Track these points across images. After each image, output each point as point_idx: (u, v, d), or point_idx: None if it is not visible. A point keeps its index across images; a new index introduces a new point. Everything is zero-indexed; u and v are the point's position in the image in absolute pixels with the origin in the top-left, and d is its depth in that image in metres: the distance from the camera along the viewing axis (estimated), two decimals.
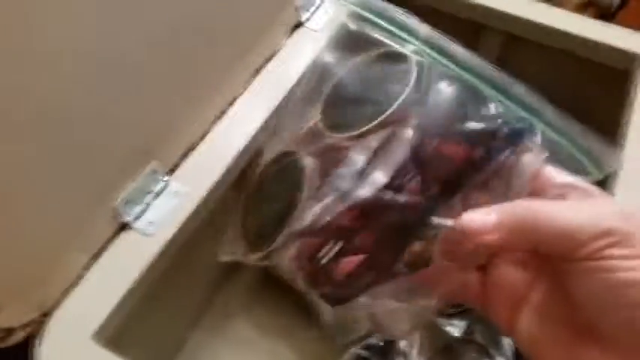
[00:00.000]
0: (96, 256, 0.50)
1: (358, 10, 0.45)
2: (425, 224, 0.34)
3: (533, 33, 0.72)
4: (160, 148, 0.53)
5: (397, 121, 0.41)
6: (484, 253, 0.32)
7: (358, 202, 0.36)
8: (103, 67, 0.44)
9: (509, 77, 0.41)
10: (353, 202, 0.36)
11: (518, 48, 0.77)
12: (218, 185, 0.55)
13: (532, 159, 0.34)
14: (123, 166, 0.50)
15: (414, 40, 0.44)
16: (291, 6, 0.67)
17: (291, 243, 0.42)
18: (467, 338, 0.64)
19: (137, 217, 0.52)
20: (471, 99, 0.40)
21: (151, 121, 0.51)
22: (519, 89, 0.41)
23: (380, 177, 0.36)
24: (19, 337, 0.45)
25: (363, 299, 0.36)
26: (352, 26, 0.46)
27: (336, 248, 0.35)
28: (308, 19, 0.70)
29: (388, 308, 0.36)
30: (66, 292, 0.48)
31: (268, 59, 0.65)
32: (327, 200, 0.39)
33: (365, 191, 0.36)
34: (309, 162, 0.44)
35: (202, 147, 0.57)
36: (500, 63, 0.79)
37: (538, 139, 0.36)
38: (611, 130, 0.65)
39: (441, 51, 0.44)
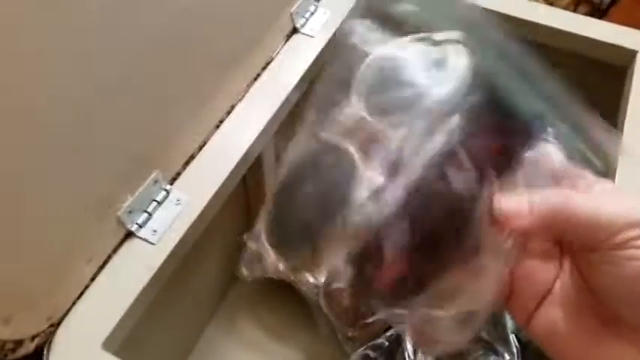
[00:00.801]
0: (102, 265, 0.50)
1: None
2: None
3: (527, 32, 0.72)
4: (161, 157, 0.54)
5: (442, 112, 0.38)
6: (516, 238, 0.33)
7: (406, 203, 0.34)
8: (103, 78, 0.45)
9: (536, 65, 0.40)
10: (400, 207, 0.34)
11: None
12: (219, 193, 0.56)
13: (551, 156, 0.34)
14: (125, 176, 0.50)
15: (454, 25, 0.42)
16: (287, 12, 0.68)
17: (344, 238, 0.38)
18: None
19: (141, 226, 0.52)
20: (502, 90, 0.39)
21: (152, 131, 0.52)
22: (541, 76, 0.40)
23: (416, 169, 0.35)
24: (28, 348, 0.45)
25: (398, 311, 0.35)
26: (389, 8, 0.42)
27: (400, 237, 0.33)
28: (303, 25, 0.71)
29: (429, 317, 0.35)
30: (74, 303, 0.48)
31: (265, 66, 0.66)
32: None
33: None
34: (356, 152, 0.40)
35: (203, 155, 0.58)
36: None
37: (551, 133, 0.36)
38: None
39: (482, 39, 0.42)
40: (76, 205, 0.46)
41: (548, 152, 0.35)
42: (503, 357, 0.64)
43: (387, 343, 0.61)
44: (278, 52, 0.68)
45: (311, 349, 0.69)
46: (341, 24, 0.44)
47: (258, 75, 0.65)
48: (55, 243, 0.46)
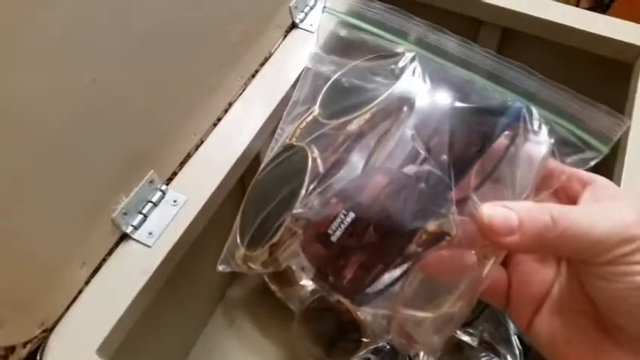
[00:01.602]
0: (96, 269, 0.49)
1: (348, 18, 0.44)
2: (439, 203, 0.32)
3: (531, 27, 0.71)
4: (156, 156, 0.53)
5: (392, 112, 0.40)
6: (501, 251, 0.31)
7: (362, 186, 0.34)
8: (96, 77, 0.43)
9: (504, 62, 0.40)
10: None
11: (516, 43, 0.76)
12: (216, 192, 0.54)
13: (538, 146, 0.33)
14: (120, 177, 0.49)
15: (405, 41, 0.44)
16: (285, 7, 0.67)
17: (296, 228, 0.39)
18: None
19: (136, 228, 0.51)
20: (464, 90, 0.39)
21: (147, 131, 0.51)
22: (513, 73, 0.40)
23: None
24: (20, 355, 0.44)
25: (384, 307, 0.34)
26: (343, 33, 0.46)
27: (348, 220, 0.32)
28: (302, 20, 0.69)
29: (415, 318, 0.35)
30: (68, 307, 0.47)
31: (263, 63, 0.65)
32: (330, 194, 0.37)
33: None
34: (309, 150, 0.43)
35: (199, 155, 0.57)
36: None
37: (536, 121, 0.35)
38: None
39: (433, 48, 0.43)
40: (68, 207, 0.45)
41: (537, 143, 0.34)
42: (505, 359, 0.63)
43: (388, 347, 0.60)
44: (276, 47, 0.66)
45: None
46: (310, 56, 0.47)
47: (257, 71, 0.64)
48: (47, 246, 0.44)
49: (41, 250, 0.44)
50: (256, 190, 0.47)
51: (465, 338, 0.61)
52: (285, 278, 0.66)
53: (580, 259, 0.28)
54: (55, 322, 0.46)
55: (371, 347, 0.60)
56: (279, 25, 0.67)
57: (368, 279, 0.32)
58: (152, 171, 0.52)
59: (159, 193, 0.53)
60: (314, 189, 0.39)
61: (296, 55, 0.66)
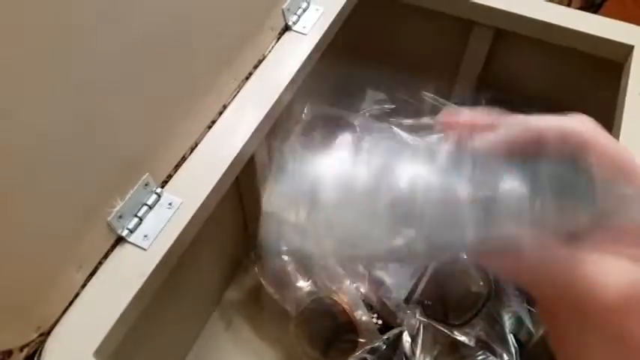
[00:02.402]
0: (92, 272, 0.49)
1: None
2: None
3: (524, 28, 0.72)
4: (151, 159, 0.53)
5: None
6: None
7: None
8: (91, 81, 0.43)
9: None
10: None
11: (509, 43, 0.77)
12: (212, 195, 0.55)
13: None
14: (115, 180, 0.49)
15: None
16: (278, 9, 0.67)
17: None
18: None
19: (132, 231, 0.51)
20: None
21: (142, 133, 0.51)
22: None
23: None
24: (18, 358, 0.44)
25: None
26: None
27: None
28: (295, 23, 0.69)
29: None
30: (64, 311, 0.47)
31: (257, 65, 0.65)
32: None
33: None
34: None
35: (194, 157, 0.57)
36: (491, 59, 0.80)
37: None
38: (604, 122, 0.65)
39: None
40: (63, 211, 0.45)
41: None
42: (501, 357, 0.63)
43: (384, 347, 0.60)
44: (270, 50, 0.67)
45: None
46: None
47: (250, 74, 0.64)
48: (43, 250, 0.45)
49: (37, 254, 0.44)
50: None
51: (461, 338, 0.61)
52: (282, 280, 0.66)
53: None
54: (52, 326, 0.46)
55: (367, 347, 0.61)
56: (272, 28, 0.67)
57: None
58: (147, 174, 0.52)
59: (154, 196, 0.53)
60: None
61: (289, 58, 0.66)
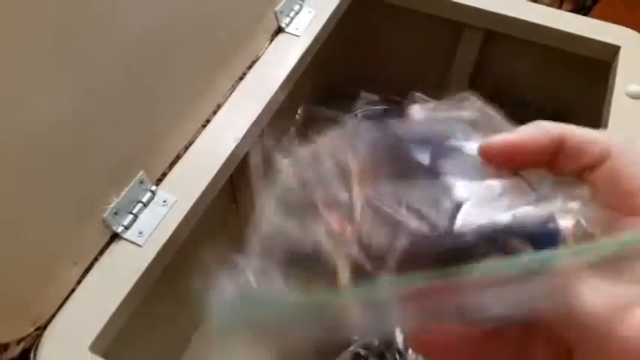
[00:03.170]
0: (88, 268, 0.50)
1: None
2: None
3: (514, 29, 0.73)
4: (146, 158, 0.54)
5: None
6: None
7: None
8: (87, 79, 0.44)
9: None
10: None
11: (499, 45, 0.78)
12: (206, 193, 0.55)
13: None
14: (111, 178, 0.50)
15: None
16: (271, 12, 0.68)
17: None
18: None
19: (127, 228, 0.52)
20: None
21: (137, 131, 0.52)
22: None
23: None
24: (14, 352, 0.45)
25: None
26: None
27: None
28: (288, 25, 0.70)
29: None
30: (60, 306, 0.48)
31: (251, 66, 0.66)
32: None
33: None
34: None
35: (189, 155, 0.58)
36: (482, 60, 0.82)
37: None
38: (593, 121, 0.66)
39: None
40: (59, 208, 0.46)
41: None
42: None
43: (377, 342, 0.61)
44: (263, 51, 0.68)
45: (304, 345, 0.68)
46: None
47: (244, 74, 0.65)
48: (38, 246, 0.45)
49: (33, 250, 0.45)
50: None
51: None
52: None
53: None
54: (48, 320, 0.47)
55: (360, 343, 0.61)
56: (266, 30, 0.68)
57: None
58: (142, 172, 0.53)
59: (149, 194, 0.54)
60: None
61: (282, 59, 0.67)
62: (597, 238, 0.25)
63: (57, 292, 0.48)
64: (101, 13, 0.44)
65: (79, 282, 0.49)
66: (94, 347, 0.46)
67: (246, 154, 0.62)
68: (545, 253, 0.25)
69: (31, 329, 0.46)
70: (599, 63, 0.71)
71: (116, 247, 0.51)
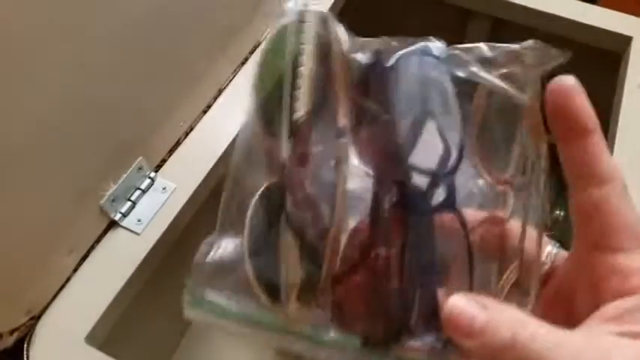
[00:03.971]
0: (84, 256, 0.48)
1: None
2: None
3: (522, 17, 0.72)
4: (145, 143, 0.52)
5: None
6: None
7: None
8: (85, 62, 0.42)
9: None
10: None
11: (507, 33, 0.76)
12: (207, 180, 0.54)
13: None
14: (109, 164, 0.48)
15: None
16: None
17: None
18: None
19: (125, 215, 0.50)
20: None
21: (136, 117, 0.50)
22: None
23: None
24: (7, 342, 0.44)
25: None
26: None
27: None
28: None
29: None
30: (55, 295, 0.46)
31: (252, 50, 0.64)
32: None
33: None
34: None
35: (189, 141, 0.56)
36: None
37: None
38: (603, 114, 0.65)
39: None
40: (55, 194, 0.44)
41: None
42: None
43: None
44: (265, 35, 0.66)
45: None
46: None
47: (246, 59, 0.63)
48: (33, 233, 0.44)
49: (28, 237, 0.43)
50: None
51: None
52: None
53: None
54: (43, 310, 0.46)
55: None
56: (269, 12, 0.66)
57: None
58: (141, 157, 0.51)
59: (148, 180, 0.52)
60: None
61: None
62: None
63: (52, 280, 0.47)
64: None
65: (74, 270, 0.48)
66: (90, 339, 0.45)
67: None
68: None
69: (25, 319, 0.45)
70: (610, 54, 0.69)
71: (113, 235, 0.50)
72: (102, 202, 0.48)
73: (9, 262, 0.42)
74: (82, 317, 0.45)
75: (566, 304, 0.28)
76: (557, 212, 0.76)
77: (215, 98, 0.60)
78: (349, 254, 0.28)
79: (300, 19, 0.29)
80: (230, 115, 0.58)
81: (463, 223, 0.28)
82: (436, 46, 0.31)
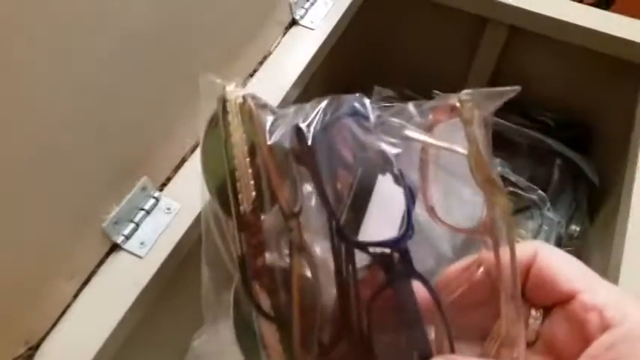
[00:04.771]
0: (85, 282, 0.46)
1: None
2: None
3: (539, 25, 0.69)
4: (149, 161, 0.50)
5: None
6: None
7: None
8: (87, 77, 0.41)
9: None
10: None
11: (523, 41, 0.74)
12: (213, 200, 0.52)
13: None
14: (111, 184, 0.46)
15: None
16: (285, 3, 0.64)
17: None
18: None
19: (127, 238, 0.48)
20: None
21: (140, 135, 0.48)
22: None
23: None
24: None
25: None
26: None
27: None
28: (303, 17, 0.66)
29: None
30: (55, 324, 0.44)
31: (262, 61, 0.62)
32: None
33: None
34: None
35: (194, 159, 0.54)
36: (505, 57, 0.77)
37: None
38: (622, 129, 0.63)
39: None
40: (55, 217, 0.42)
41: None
42: None
43: None
44: (276, 45, 0.64)
45: None
46: None
47: (255, 70, 0.61)
48: (32, 258, 0.42)
49: (26, 262, 0.41)
50: None
51: None
52: None
53: None
54: (41, 340, 0.44)
55: None
56: (279, 22, 0.64)
57: None
58: (145, 177, 0.49)
59: (152, 201, 0.50)
60: None
61: (296, 53, 0.63)
62: None
63: (51, 308, 0.45)
64: (103, 10, 0.40)
65: (75, 296, 0.46)
66: None
67: None
68: None
69: (23, 349, 0.43)
70: (630, 64, 0.67)
71: (116, 259, 0.48)
72: (104, 225, 0.46)
73: (6, 288, 0.40)
74: (83, 347, 0.43)
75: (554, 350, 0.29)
76: (574, 227, 0.73)
77: None
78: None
79: (224, 107, 0.34)
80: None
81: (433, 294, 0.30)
82: (364, 103, 0.34)
